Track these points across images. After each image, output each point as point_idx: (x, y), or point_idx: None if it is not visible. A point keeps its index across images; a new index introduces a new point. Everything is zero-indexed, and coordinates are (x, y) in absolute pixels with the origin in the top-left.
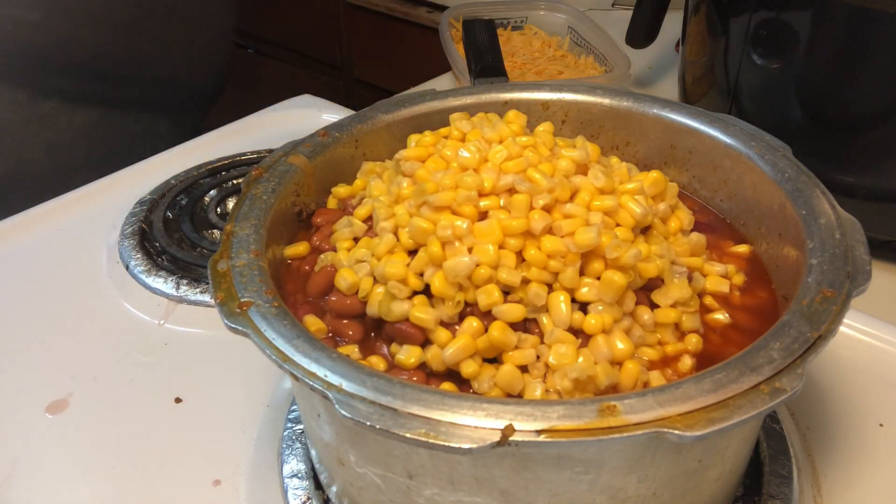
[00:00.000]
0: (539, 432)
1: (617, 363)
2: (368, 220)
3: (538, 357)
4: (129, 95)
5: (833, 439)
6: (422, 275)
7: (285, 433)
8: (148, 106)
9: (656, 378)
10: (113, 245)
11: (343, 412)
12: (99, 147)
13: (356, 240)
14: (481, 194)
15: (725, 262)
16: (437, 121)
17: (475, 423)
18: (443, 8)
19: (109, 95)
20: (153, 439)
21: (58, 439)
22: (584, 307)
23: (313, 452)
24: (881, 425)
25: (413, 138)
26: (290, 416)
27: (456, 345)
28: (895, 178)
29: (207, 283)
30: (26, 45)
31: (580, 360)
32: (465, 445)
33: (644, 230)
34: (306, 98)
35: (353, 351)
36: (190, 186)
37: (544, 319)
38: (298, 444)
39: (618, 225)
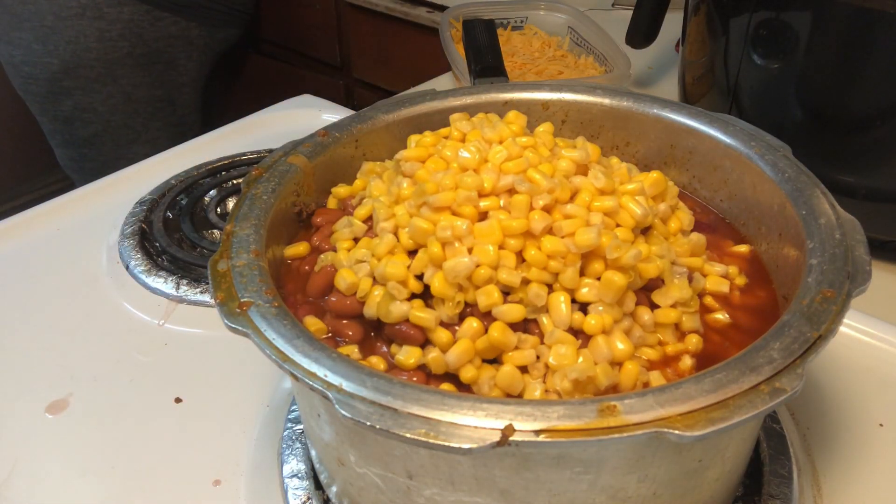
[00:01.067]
0: (539, 432)
1: (617, 363)
2: (368, 220)
3: (538, 357)
4: None
5: (833, 439)
6: (421, 276)
7: (285, 433)
8: (188, 11)
9: (656, 378)
10: (113, 245)
11: (343, 412)
12: (141, 42)
13: (356, 240)
14: (481, 195)
15: (726, 262)
16: (437, 121)
17: (475, 423)
18: (443, 8)
19: None
20: (153, 439)
21: (58, 439)
22: (584, 307)
23: (313, 452)
24: (881, 425)
25: (413, 138)
26: (290, 416)
27: (458, 349)
28: (895, 178)
29: (207, 283)
30: None
31: (580, 360)
32: (465, 445)
33: (644, 230)
34: (306, 98)
35: (353, 351)
36: (190, 186)
37: (544, 320)
38: (298, 444)
39: (618, 225)
